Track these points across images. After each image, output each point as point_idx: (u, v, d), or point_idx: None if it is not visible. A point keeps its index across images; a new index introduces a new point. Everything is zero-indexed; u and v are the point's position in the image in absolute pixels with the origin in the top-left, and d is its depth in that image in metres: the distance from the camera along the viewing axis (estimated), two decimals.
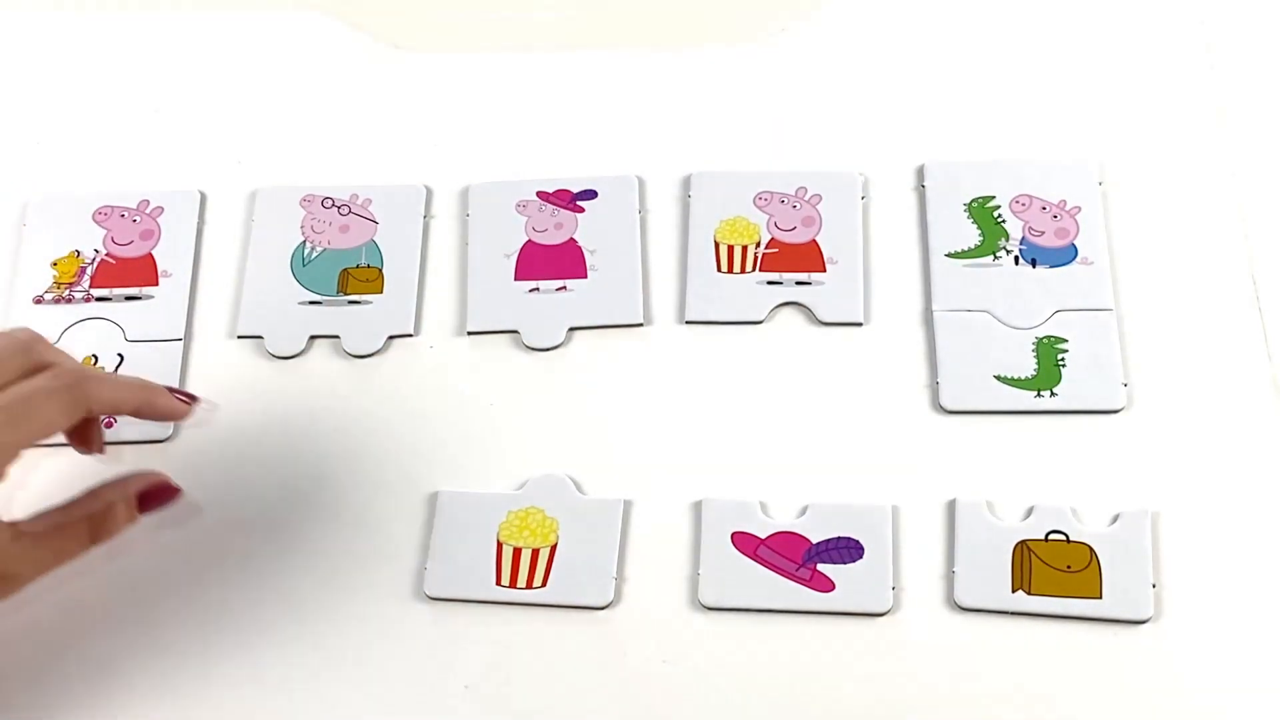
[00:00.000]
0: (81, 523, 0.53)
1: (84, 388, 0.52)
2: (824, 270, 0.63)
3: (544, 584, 0.57)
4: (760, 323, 0.62)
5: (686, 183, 0.66)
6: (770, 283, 0.63)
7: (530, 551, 0.58)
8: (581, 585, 0.57)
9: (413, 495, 0.60)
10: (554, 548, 0.58)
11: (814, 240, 0.64)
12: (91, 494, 0.54)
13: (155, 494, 0.55)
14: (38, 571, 0.52)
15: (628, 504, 0.59)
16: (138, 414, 0.55)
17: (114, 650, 0.57)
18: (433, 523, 0.59)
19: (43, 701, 0.57)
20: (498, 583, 0.58)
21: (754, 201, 0.65)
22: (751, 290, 0.63)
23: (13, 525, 0.51)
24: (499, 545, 0.58)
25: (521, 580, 0.58)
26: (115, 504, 0.54)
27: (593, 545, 0.58)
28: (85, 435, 0.56)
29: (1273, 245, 0.63)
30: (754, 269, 0.63)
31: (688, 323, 0.63)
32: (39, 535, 0.52)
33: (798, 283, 0.63)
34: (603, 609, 0.57)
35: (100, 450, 0.56)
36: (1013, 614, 0.56)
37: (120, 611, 0.58)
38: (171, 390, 0.56)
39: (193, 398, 0.57)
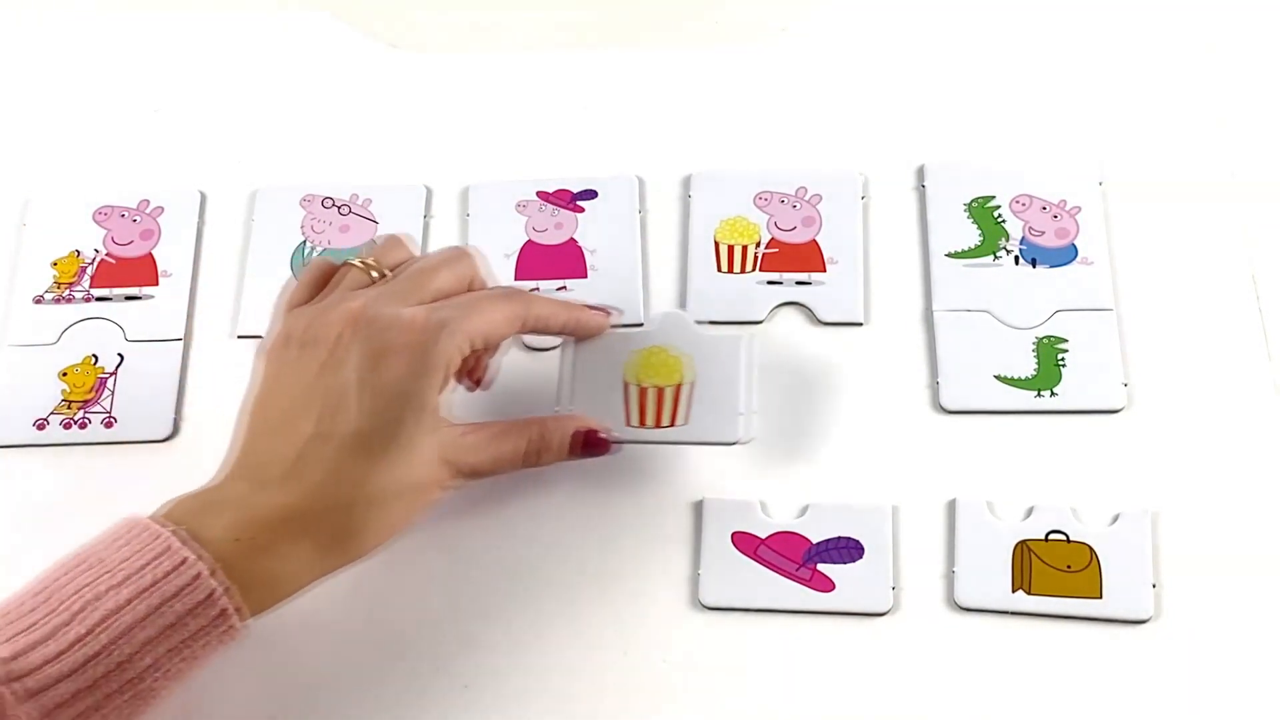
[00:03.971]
0: (522, 439, 0.55)
1: (525, 300, 0.56)
2: (824, 270, 0.63)
3: (671, 422, 0.57)
4: (760, 323, 0.62)
5: (686, 183, 0.66)
6: (770, 283, 0.63)
7: (655, 391, 0.58)
8: (712, 422, 0.57)
9: None
10: (678, 386, 0.58)
11: (814, 240, 0.64)
12: (532, 419, 0.56)
13: (592, 440, 0.56)
14: (477, 471, 0.55)
15: (749, 340, 0.58)
16: (565, 330, 0.57)
17: None
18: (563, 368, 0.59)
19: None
20: (627, 423, 0.57)
21: (754, 201, 0.65)
22: (751, 290, 0.63)
23: (461, 424, 0.54)
24: (625, 386, 0.58)
25: (650, 419, 0.57)
26: (553, 434, 0.56)
27: (719, 382, 0.57)
28: (476, 367, 0.57)
29: (1273, 245, 0.63)
30: (754, 269, 0.63)
31: None
32: (485, 437, 0.55)
33: (798, 283, 0.63)
34: (731, 444, 0.57)
35: (486, 385, 0.58)
36: (1013, 614, 0.56)
37: None
38: (589, 306, 0.59)
39: (608, 310, 0.59)
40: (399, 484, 0.51)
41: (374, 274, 0.55)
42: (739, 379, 0.57)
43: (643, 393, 0.57)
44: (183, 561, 0.48)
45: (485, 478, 0.55)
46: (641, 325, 0.62)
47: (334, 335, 0.52)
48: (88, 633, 0.47)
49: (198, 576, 0.48)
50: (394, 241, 0.57)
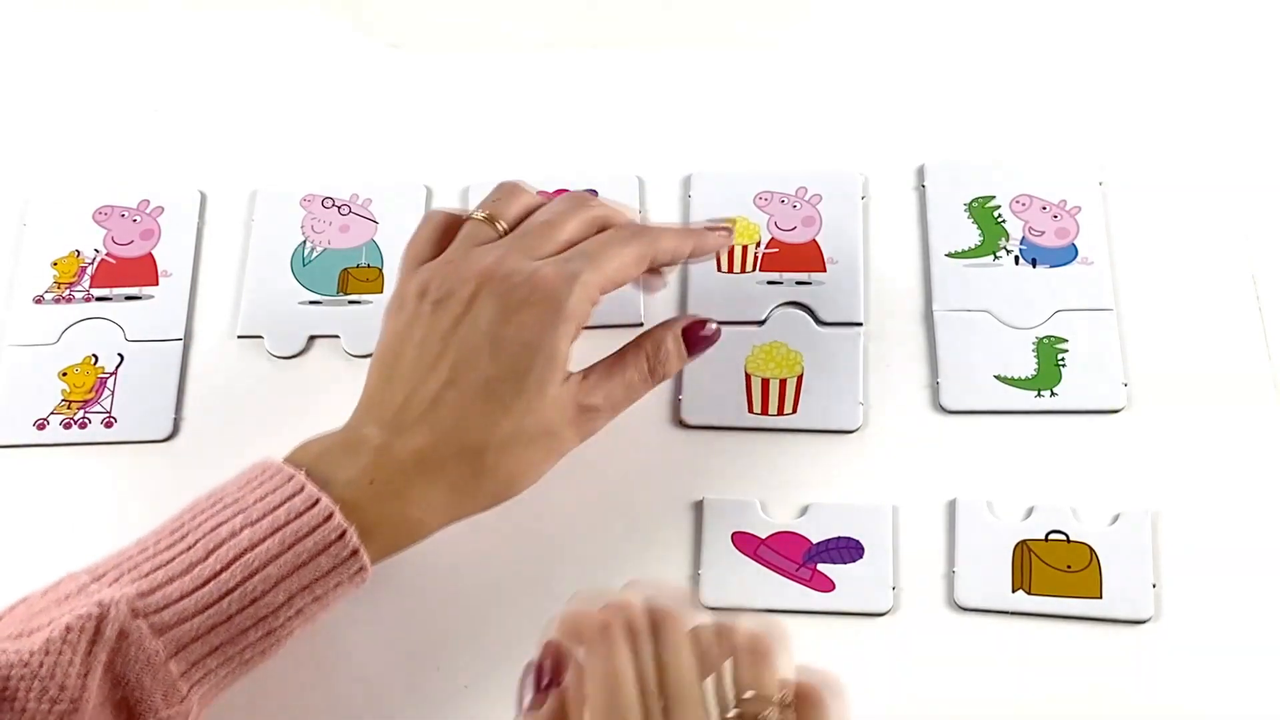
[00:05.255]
0: (639, 355, 0.56)
1: (651, 236, 0.56)
2: (824, 270, 0.63)
3: (794, 410, 0.60)
4: (761, 323, 0.62)
5: (686, 183, 0.66)
6: (770, 283, 0.63)
7: (778, 382, 0.60)
8: (830, 410, 0.60)
9: None
10: (799, 378, 0.60)
11: (814, 240, 0.64)
12: (644, 334, 0.57)
13: (703, 332, 0.57)
14: (611, 404, 0.55)
15: (865, 332, 0.61)
16: (692, 256, 0.59)
17: None
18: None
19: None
20: (749, 411, 0.60)
21: (754, 201, 0.65)
22: (751, 290, 0.63)
23: (578, 372, 0.55)
24: (747, 377, 0.61)
25: (773, 408, 0.60)
26: (665, 338, 0.57)
27: (838, 373, 0.60)
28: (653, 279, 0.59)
29: (1273, 245, 0.63)
30: (754, 269, 0.63)
31: None
32: (603, 370, 0.55)
33: (798, 283, 0.63)
34: (852, 432, 0.59)
35: (659, 287, 0.60)
36: (1013, 614, 0.56)
37: None
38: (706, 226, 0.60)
39: (724, 226, 0.60)
40: (529, 429, 0.52)
41: (498, 226, 0.56)
42: (858, 369, 0.60)
43: (765, 384, 0.60)
44: (316, 501, 0.50)
45: (622, 410, 0.56)
46: (642, 324, 0.62)
47: (468, 292, 0.53)
48: (223, 568, 0.48)
49: (330, 516, 0.49)
50: (512, 189, 0.58)
